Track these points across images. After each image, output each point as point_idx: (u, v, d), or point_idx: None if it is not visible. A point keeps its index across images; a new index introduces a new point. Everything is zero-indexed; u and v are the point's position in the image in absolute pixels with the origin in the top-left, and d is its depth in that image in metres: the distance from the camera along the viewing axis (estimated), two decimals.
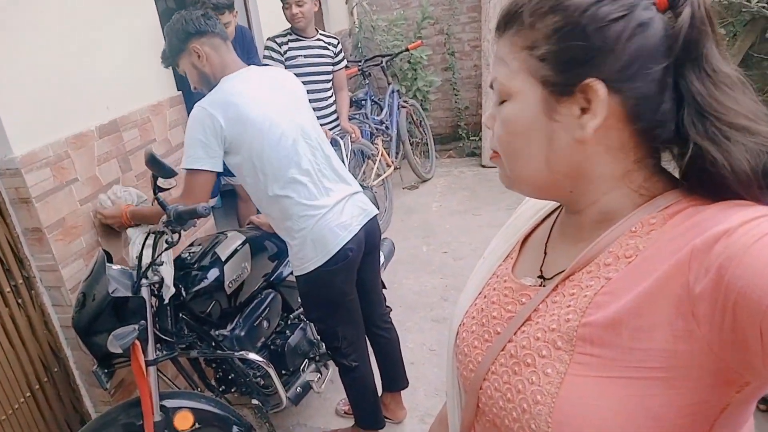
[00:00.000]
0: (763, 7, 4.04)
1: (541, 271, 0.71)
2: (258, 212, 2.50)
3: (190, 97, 2.71)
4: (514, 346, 0.65)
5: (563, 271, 0.65)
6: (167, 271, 1.84)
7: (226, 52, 1.89)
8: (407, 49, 4.90)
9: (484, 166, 5.37)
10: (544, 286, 0.67)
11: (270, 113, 1.83)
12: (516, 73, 0.62)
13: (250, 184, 1.89)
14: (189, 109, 2.71)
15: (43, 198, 1.82)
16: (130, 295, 1.74)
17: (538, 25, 0.61)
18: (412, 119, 5.16)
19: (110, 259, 1.89)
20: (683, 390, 0.52)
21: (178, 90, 2.67)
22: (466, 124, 5.98)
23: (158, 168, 1.62)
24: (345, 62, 3.60)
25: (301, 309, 2.39)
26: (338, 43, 3.48)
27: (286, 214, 1.89)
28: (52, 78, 1.89)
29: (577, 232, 0.68)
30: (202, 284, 1.97)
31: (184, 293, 1.93)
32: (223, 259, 2.05)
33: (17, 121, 1.74)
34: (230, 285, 2.04)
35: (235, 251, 2.10)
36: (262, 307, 2.23)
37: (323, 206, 1.91)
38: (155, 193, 1.73)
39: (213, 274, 2.00)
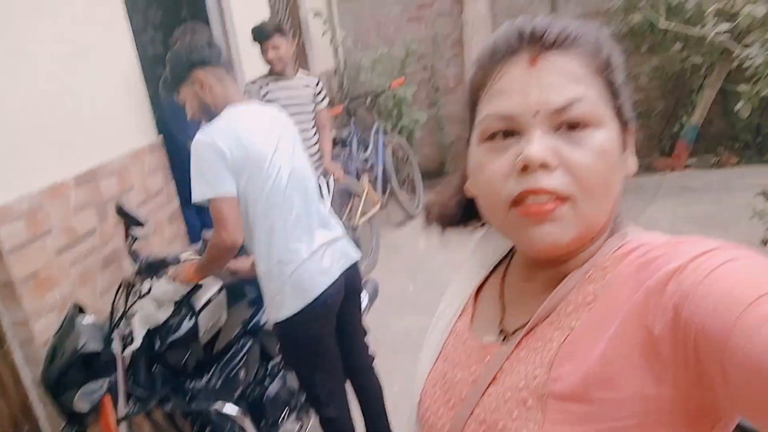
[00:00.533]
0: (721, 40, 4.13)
1: (501, 326, 0.68)
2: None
3: (171, 140, 2.72)
4: (482, 410, 0.62)
5: (524, 325, 0.62)
6: (139, 322, 1.81)
7: (230, 83, 1.88)
8: (390, 87, 4.96)
9: None
10: (506, 342, 0.65)
11: (268, 151, 1.82)
12: (599, 98, 0.58)
13: None
14: (172, 151, 2.73)
15: (16, 251, 1.80)
16: (100, 349, 1.71)
17: (603, 52, 0.59)
18: (398, 156, 5.20)
19: (83, 311, 1.86)
20: None
21: (159, 134, 2.68)
22: (452, 159, 6.03)
23: (127, 218, 1.62)
24: (326, 101, 3.63)
25: (281, 356, 2.36)
26: (318, 82, 3.52)
27: (267, 255, 1.87)
28: (26, 126, 1.90)
29: (533, 284, 0.66)
30: (176, 335, 1.94)
31: (157, 344, 1.90)
32: (198, 308, 2.02)
33: None
34: (205, 335, 2.01)
35: (210, 299, 2.08)
36: (239, 356, 2.19)
37: (304, 251, 1.89)
38: (126, 242, 1.73)
39: (187, 324, 1.97)
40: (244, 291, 2.29)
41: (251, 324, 2.29)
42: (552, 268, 0.63)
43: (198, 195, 1.72)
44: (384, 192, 4.94)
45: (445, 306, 0.78)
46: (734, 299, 0.45)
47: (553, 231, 0.56)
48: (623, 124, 0.60)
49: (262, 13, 4.03)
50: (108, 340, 1.74)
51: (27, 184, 1.88)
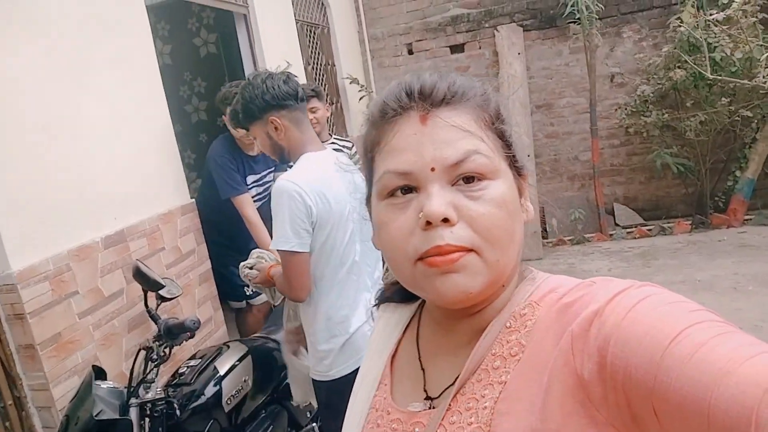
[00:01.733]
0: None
1: (425, 391, 0.64)
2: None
3: (205, 203, 2.73)
4: None
5: (451, 386, 0.61)
6: None
7: (307, 129, 1.81)
8: None
9: None
10: (433, 408, 0.62)
11: (345, 209, 1.73)
12: (493, 150, 0.59)
13: None
14: (205, 215, 2.72)
15: (39, 313, 1.77)
16: (116, 417, 1.63)
17: (491, 105, 0.62)
18: None
19: (104, 376, 1.80)
20: None
21: (191, 198, 2.70)
22: None
23: (144, 281, 1.57)
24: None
25: (310, 426, 2.22)
26: (353, 146, 3.52)
27: (327, 314, 1.76)
28: (56, 188, 1.91)
29: (451, 340, 0.65)
30: (198, 401, 1.85)
31: (178, 412, 1.80)
32: (222, 373, 1.93)
33: (17, 235, 1.74)
34: (229, 401, 1.91)
35: (235, 364, 1.99)
36: (266, 424, 2.07)
37: (364, 314, 1.78)
38: (147, 306, 1.67)
39: (210, 390, 1.88)
40: (273, 355, 2.20)
41: (279, 390, 2.17)
42: (467, 319, 0.63)
43: (278, 243, 1.66)
44: None
45: (358, 383, 0.74)
46: (655, 338, 0.46)
47: (461, 280, 0.56)
48: (517, 171, 0.62)
49: (298, 79, 4.13)
50: (125, 408, 1.66)
51: (54, 245, 1.87)
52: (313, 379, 1.80)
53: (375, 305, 0.80)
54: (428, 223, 0.55)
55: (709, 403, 0.41)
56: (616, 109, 5.46)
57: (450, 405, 0.59)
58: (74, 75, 2.04)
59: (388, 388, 0.69)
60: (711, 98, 4.90)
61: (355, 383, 0.74)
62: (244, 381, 1.99)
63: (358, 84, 5.26)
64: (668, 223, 5.25)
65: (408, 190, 0.59)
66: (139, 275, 1.56)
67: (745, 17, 4.32)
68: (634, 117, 5.28)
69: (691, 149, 5.15)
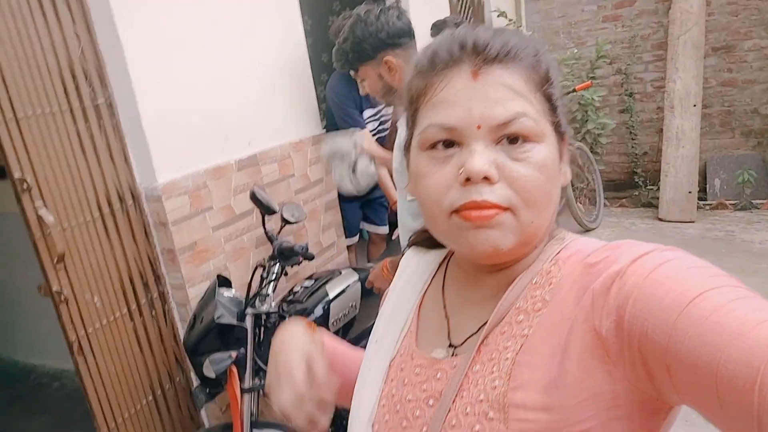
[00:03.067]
0: None
1: (449, 339, 0.66)
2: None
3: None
4: (444, 427, 0.60)
5: (472, 336, 0.63)
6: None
7: None
8: (574, 90, 4.59)
9: (661, 220, 4.77)
10: (456, 355, 0.64)
11: None
12: (540, 114, 0.59)
13: None
14: None
15: (179, 223, 2.01)
16: (234, 323, 1.83)
17: (542, 67, 0.61)
18: (578, 164, 4.80)
19: (229, 285, 2.01)
20: (621, 431, 0.52)
21: (324, 129, 2.81)
22: (644, 171, 5.40)
23: (259, 204, 1.69)
24: None
25: None
26: None
27: None
28: (196, 114, 2.10)
29: (477, 292, 0.66)
30: (307, 319, 1.99)
31: None
32: (331, 296, 2.06)
33: (163, 154, 1.96)
34: (335, 323, 2.04)
35: (345, 290, 2.10)
36: None
37: None
38: (264, 227, 1.80)
39: (319, 310, 2.02)
40: None
41: None
42: (495, 273, 0.64)
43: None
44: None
45: (383, 331, 0.74)
46: (673, 300, 0.47)
47: (494, 236, 0.57)
48: (560, 136, 0.62)
49: (442, 12, 4.01)
50: (243, 315, 1.85)
51: (194, 164, 2.08)
52: None
53: (405, 248, 0.81)
54: (468, 179, 0.56)
55: (719, 364, 0.42)
56: None
57: (474, 355, 0.61)
58: (216, 4, 2.18)
59: (413, 334, 0.70)
60: None
61: (378, 330, 0.75)
62: (352, 306, 2.11)
63: (507, 18, 4.97)
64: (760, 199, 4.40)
65: (450, 144, 0.59)
66: (255, 199, 1.69)
67: None
68: None
69: None
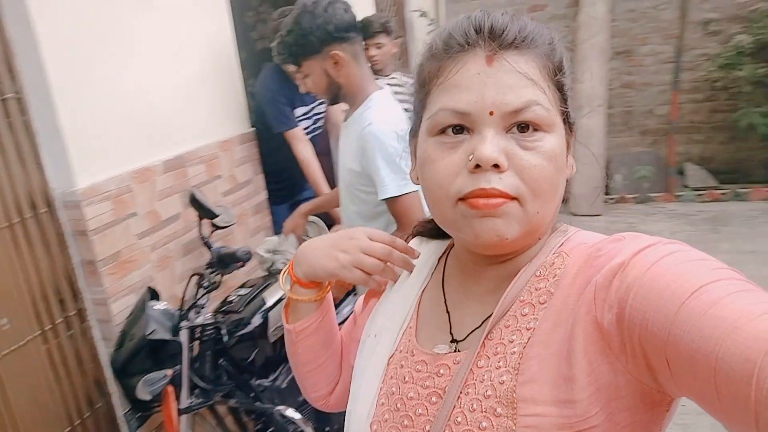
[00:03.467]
0: None
1: (451, 334, 0.65)
2: None
3: (266, 133, 2.70)
4: (449, 425, 0.59)
5: (475, 330, 0.62)
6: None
7: (364, 64, 1.67)
8: None
9: (573, 214, 5.04)
10: (459, 351, 0.63)
11: None
12: (552, 103, 0.58)
13: None
14: (264, 146, 2.70)
15: (100, 231, 1.83)
16: (168, 338, 1.69)
17: (556, 55, 0.60)
18: None
19: (157, 297, 1.86)
20: (625, 423, 0.52)
21: (252, 126, 2.68)
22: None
23: (199, 208, 1.58)
24: None
25: None
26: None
27: None
28: (120, 111, 1.92)
29: (478, 286, 0.65)
30: (245, 330, 1.89)
31: (225, 338, 1.86)
32: (270, 304, 1.97)
33: (83, 154, 1.77)
34: (275, 332, 1.95)
35: (283, 296, 2.01)
36: None
37: None
38: (201, 233, 1.69)
39: (257, 320, 1.92)
40: None
41: None
42: (497, 266, 0.63)
43: (396, 189, 1.54)
44: None
45: (381, 326, 0.72)
46: (674, 292, 0.47)
47: (499, 225, 0.56)
48: (569, 127, 0.61)
49: (366, 9, 3.97)
50: (176, 329, 1.72)
51: (117, 166, 1.90)
52: None
53: (409, 236, 0.80)
54: (477, 166, 0.55)
55: (717, 357, 0.42)
56: (704, 60, 5.03)
57: (479, 349, 0.60)
58: None
59: (413, 330, 0.68)
60: None
61: (376, 324, 0.73)
62: None
63: (428, 18, 5.02)
64: (744, 188, 4.90)
65: (460, 130, 0.58)
66: (195, 202, 1.57)
67: None
68: (724, 70, 4.84)
69: None
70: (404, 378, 0.65)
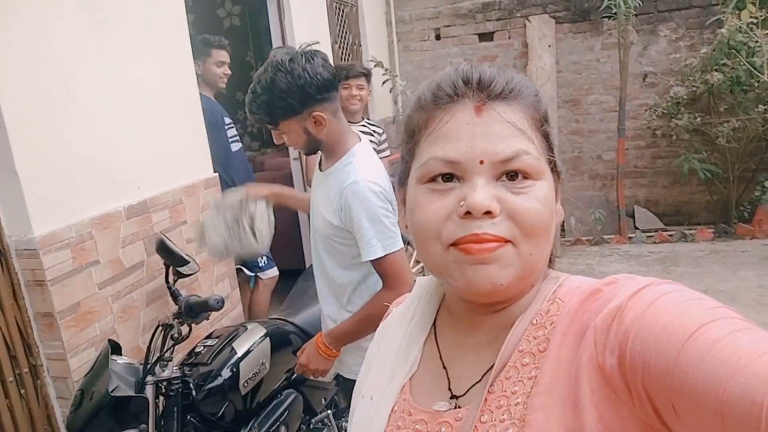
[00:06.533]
0: None
1: (450, 390, 0.63)
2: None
3: (225, 178, 2.67)
4: None
5: (475, 384, 0.61)
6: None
7: (342, 118, 1.61)
8: None
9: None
10: (459, 407, 0.61)
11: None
12: (540, 151, 0.59)
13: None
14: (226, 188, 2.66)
15: (59, 281, 1.73)
16: (133, 394, 1.59)
17: (541, 106, 0.61)
18: None
19: (119, 351, 1.75)
20: None
21: (215, 171, 2.64)
22: None
23: (169, 256, 1.51)
24: (389, 150, 3.56)
25: (326, 413, 2.18)
26: (383, 132, 3.46)
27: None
28: (81, 155, 1.86)
29: (474, 338, 0.64)
30: (215, 383, 1.80)
31: (194, 392, 1.76)
32: (240, 354, 1.88)
33: (41, 199, 1.69)
34: (246, 384, 1.86)
35: (253, 347, 1.93)
36: (281, 409, 2.02)
37: None
38: (167, 282, 1.62)
39: (227, 371, 1.83)
40: (289, 338, 2.15)
41: (296, 375, 2.12)
42: (492, 316, 0.62)
43: (383, 249, 1.50)
44: None
45: (372, 386, 0.70)
46: (673, 335, 0.47)
47: (493, 272, 0.55)
48: (557, 175, 0.62)
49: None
50: (141, 385, 1.61)
51: (77, 212, 1.82)
52: (349, 380, 1.74)
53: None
54: (468, 213, 0.55)
55: (722, 400, 0.42)
56: (645, 110, 5.34)
57: (481, 404, 0.58)
58: (100, 37, 1.97)
59: (408, 388, 0.67)
60: (746, 104, 4.77)
61: (365, 385, 0.71)
62: (262, 364, 1.94)
63: (383, 67, 5.15)
64: (690, 229, 5.14)
65: (450, 178, 0.58)
66: (163, 249, 1.50)
67: None
68: (664, 119, 5.15)
69: (719, 156, 5.03)
70: None
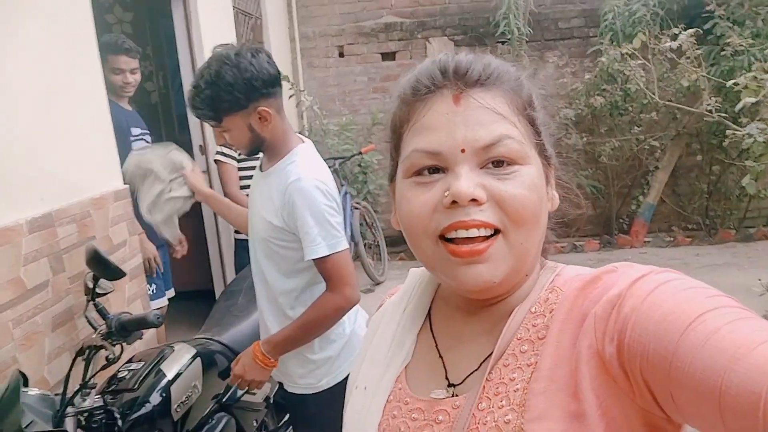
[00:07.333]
0: (709, 112, 4.32)
1: (447, 379, 0.63)
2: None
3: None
4: None
5: (473, 373, 0.60)
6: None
7: (285, 117, 1.59)
8: (360, 153, 4.89)
9: None
10: (456, 395, 0.61)
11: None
12: (523, 136, 0.58)
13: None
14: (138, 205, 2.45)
15: None
16: (50, 429, 1.38)
17: (524, 91, 0.61)
18: (365, 221, 5.06)
19: (26, 383, 1.52)
20: None
21: (125, 183, 2.42)
22: None
23: (102, 267, 1.35)
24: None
25: None
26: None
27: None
28: None
29: (471, 327, 0.63)
30: (143, 410, 1.62)
31: (119, 422, 1.57)
32: (170, 377, 1.72)
33: None
34: (178, 409, 1.70)
35: (184, 368, 1.78)
36: None
37: (355, 308, 1.63)
38: (92, 299, 1.44)
39: (157, 397, 1.66)
40: (215, 359, 2.00)
41: (226, 397, 1.98)
42: (489, 307, 0.62)
43: (327, 248, 1.46)
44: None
45: (367, 376, 0.69)
46: (671, 324, 0.47)
47: (485, 271, 0.55)
48: (546, 160, 0.62)
49: None
50: (59, 418, 1.42)
51: None
52: (293, 393, 1.65)
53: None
54: (454, 202, 0.55)
55: (720, 389, 0.42)
56: None
57: (480, 391, 0.58)
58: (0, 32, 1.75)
59: (403, 377, 0.66)
60: (622, 126, 5.30)
61: (360, 376, 0.70)
62: (194, 386, 1.78)
63: (288, 81, 5.08)
64: (579, 240, 5.56)
65: (435, 170, 0.58)
66: (96, 259, 1.33)
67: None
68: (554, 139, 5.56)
69: (601, 173, 5.51)
70: (399, 429, 0.62)
